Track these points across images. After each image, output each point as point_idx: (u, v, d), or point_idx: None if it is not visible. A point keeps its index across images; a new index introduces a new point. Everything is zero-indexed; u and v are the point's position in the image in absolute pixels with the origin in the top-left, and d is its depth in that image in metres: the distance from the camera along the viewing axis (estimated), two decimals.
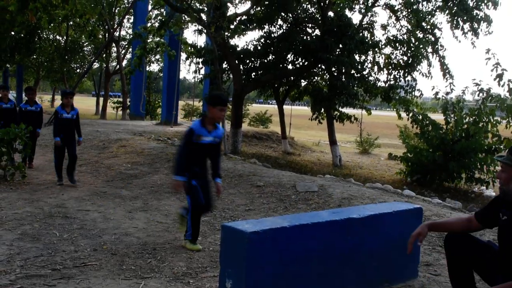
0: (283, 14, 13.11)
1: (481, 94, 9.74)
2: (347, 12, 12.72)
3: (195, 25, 13.67)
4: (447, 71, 12.44)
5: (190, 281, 3.71)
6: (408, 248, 3.07)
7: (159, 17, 20.18)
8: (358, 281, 3.42)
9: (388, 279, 3.61)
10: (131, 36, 19.70)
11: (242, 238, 2.79)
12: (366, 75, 13.11)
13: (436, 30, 12.67)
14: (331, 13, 12.57)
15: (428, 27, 12.61)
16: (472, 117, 9.98)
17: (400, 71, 13.04)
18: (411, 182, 10.59)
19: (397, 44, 12.80)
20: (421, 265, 4.03)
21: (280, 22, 13.58)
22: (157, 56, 25.03)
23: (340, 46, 12.02)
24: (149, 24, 17.70)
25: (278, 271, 2.93)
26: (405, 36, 12.85)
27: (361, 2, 12.67)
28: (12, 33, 23.54)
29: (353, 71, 12.60)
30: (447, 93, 11.19)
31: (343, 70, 12.48)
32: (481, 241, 3.02)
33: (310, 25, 13.65)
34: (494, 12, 48.02)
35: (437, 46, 12.61)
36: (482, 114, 9.78)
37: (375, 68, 13.45)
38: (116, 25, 24.67)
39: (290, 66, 13.65)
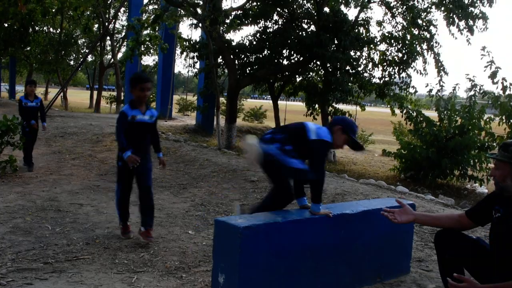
0: (278, 9, 13.07)
1: (473, 91, 9.75)
2: (342, 8, 12.72)
3: (191, 19, 13.59)
4: (441, 68, 12.47)
5: (183, 275, 3.71)
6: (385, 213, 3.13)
7: (155, 11, 20.04)
8: (351, 276, 3.44)
9: (380, 274, 3.63)
10: (125, 29, 19.53)
11: (235, 233, 2.78)
12: (361, 72, 13.13)
13: (431, 27, 12.70)
14: (326, 9, 12.56)
15: (424, 24, 12.63)
16: (465, 114, 10.02)
17: (395, 67, 13.05)
18: (405, 178, 10.63)
19: (392, 41, 12.82)
20: (413, 260, 4.05)
21: (275, 17, 13.54)
22: (151, 50, 24.84)
23: (336, 42, 12.02)
24: (144, 17, 17.56)
25: (271, 266, 2.93)
26: (400, 33, 12.87)
27: None
28: (5, 25, 23.30)
29: (348, 67, 12.61)
30: (438, 90, 11.23)
31: (338, 66, 12.48)
32: (470, 238, 3.02)
33: (305, 20, 13.61)
34: (489, 9, 48.14)
35: (432, 43, 12.64)
36: (473, 111, 9.83)
37: (370, 64, 13.48)
38: (111, 18, 24.49)
39: (285, 62, 13.61)
